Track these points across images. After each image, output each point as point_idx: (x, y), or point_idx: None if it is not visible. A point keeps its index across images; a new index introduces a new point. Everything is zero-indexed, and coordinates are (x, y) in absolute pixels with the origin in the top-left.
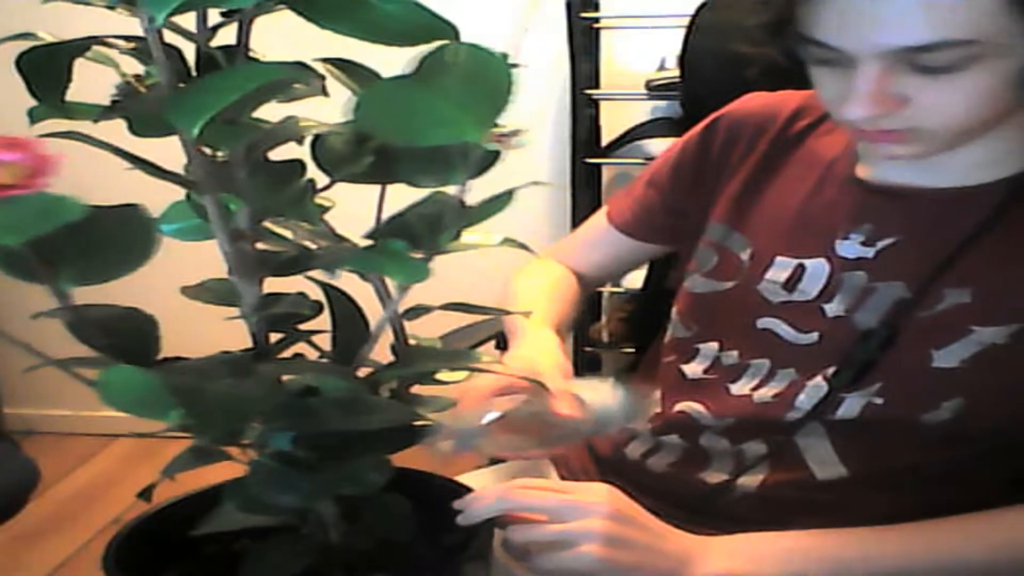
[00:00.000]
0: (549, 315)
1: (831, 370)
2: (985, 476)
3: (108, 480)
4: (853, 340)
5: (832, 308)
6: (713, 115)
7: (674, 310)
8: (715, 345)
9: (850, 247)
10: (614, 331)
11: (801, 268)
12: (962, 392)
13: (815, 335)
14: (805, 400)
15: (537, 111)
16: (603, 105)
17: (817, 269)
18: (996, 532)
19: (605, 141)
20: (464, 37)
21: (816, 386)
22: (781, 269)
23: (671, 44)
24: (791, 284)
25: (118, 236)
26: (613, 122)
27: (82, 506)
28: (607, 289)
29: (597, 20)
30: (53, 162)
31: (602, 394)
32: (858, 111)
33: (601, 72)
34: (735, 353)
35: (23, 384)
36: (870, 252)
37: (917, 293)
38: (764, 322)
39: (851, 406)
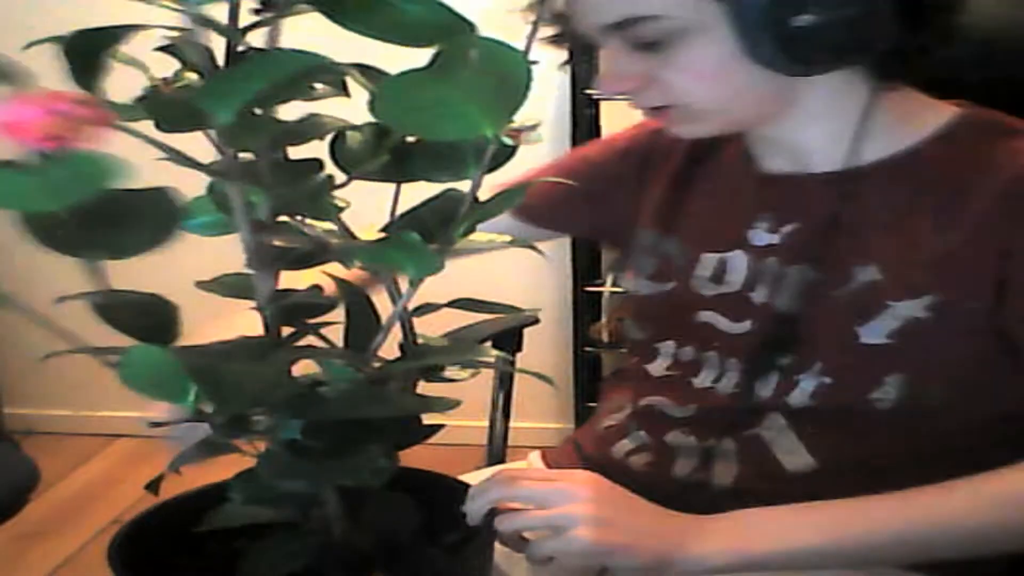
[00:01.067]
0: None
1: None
2: (955, 463)
3: (108, 480)
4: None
5: (757, 296)
6: (636, 125)
7: (631, 315)
8: (671, 343)
9: (760, 235)
10: (614, 331)
11: (723, 262)
12: (899, 368)
13: (748, 323)
14: (760, 386)
15: (537, 111)
16: (603, 105)
17: (736, 261)
18: (996, 491)
19: None
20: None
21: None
22: (706, 266)
23: None
24: (717, 277)
25: (146, 214)
26: (613, 122)
27: (82, 506)
28: (607, 289)
29: None
30: (107, 118)
31: None
32: (603, 87)
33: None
34: (690, 349)
35: (23, 384)
36: (776, 239)
37: (821, 273)
38: (703, 316)
39: (804, 388)
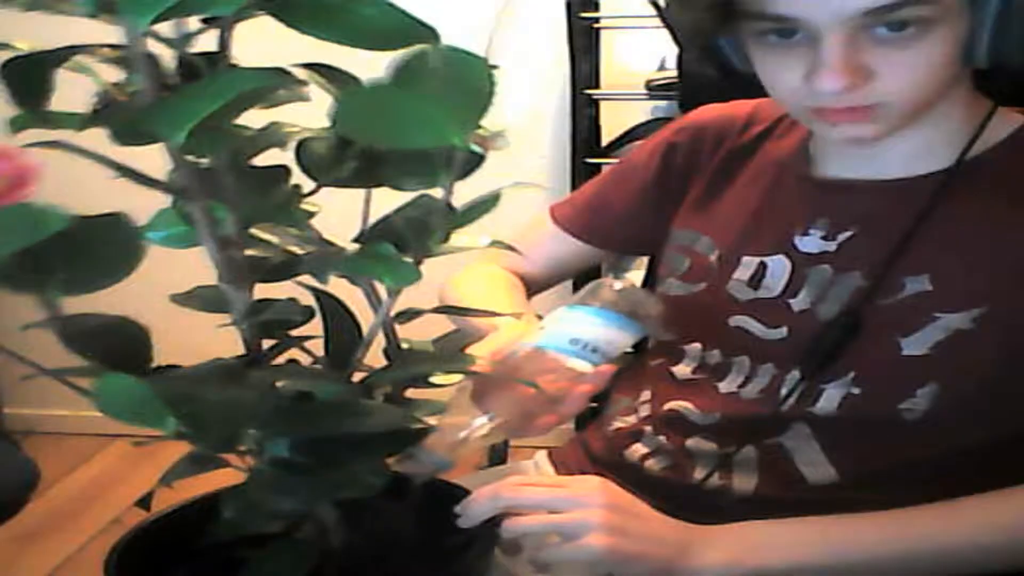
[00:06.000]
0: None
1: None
2: (976, 477)
3: (108, 480)
4: (819, 331)
5: (797, 302)
6: (670, 128)
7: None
8: (698, 346)
9: (811, 242)
10: None
11: (763, 266)
12: (935, 378)
13: (784, 330)
14: (785, 393)
15: (537, 111)
16: (603, 105)
17: (778, 266)
18: (1005, 512)
19: (605, 141)
20: (443, 38)
21: (793, 378)
22: (745, 268)
23: (671, 44)
24: (755, 282)
25: (104, 245)
26: (613, 122)
27: (82, 506)
28: None
29: (597, 20)
30: (35, 171)
31: (598, 324)
32: (829, 84)
33: (601, 72)
34: (717, 352)
35: (23, 384)
36: (832, 246)
37: (873, 281)
38: (736, 320)
39: (830, 398)
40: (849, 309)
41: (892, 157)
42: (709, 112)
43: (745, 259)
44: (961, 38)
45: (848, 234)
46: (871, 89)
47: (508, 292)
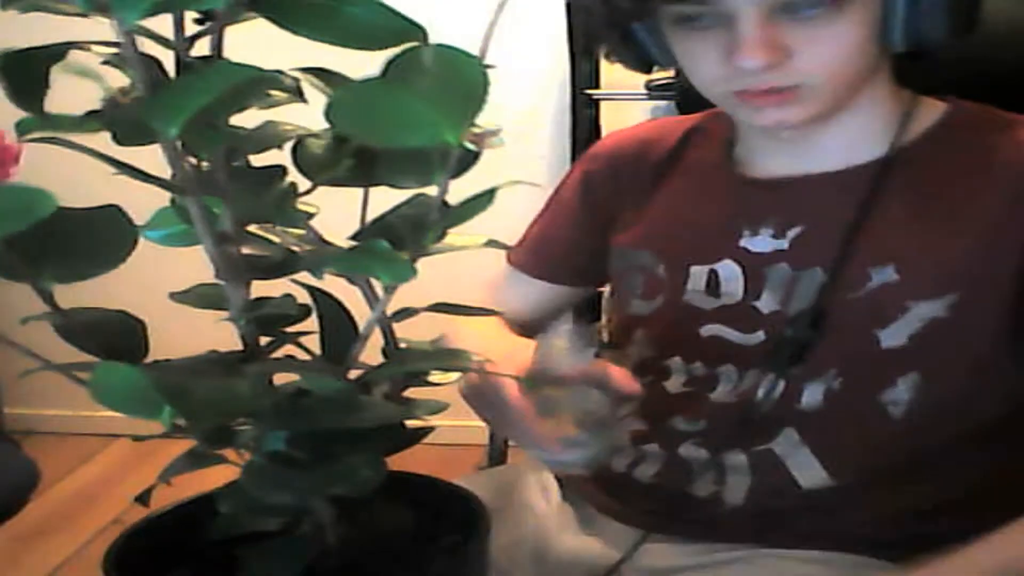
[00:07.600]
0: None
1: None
2: (971, 473)
3: (108, 480)
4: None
5: (763, 304)
6: (584, 158)
7: (635, 335)
8: (679, 359)
9: (762, 242)
10: (614, 331)
11: (714, 273)
12: (916, 368)
13: (760, 334)
14: (763, 394)
15: (537, 111)
16: (603, 105)
17: (728, 271)
18: None
19: None
20: (437, 38)
21: (771, 380)
22: (697, 278)
23: None
24: (713, 289)
25: (97, 235)
26: (613, 122)
27: (82, 506)
28: (607, 289)
29: None
30: (16, 152)
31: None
32: (749, 60)
33: (601, 72)
34: (700, 364)
35: (23, 384)
36: (784, 243)
37: (833, 275)
38: (709, 329)
39: (813, 394)
40: (813, 305)
41: (826, 149)
42: (618, 136)
43: (694, 269)
44: (877, 18)
45: (798, 230)
46: (791, 68)
47: (505, 335)
